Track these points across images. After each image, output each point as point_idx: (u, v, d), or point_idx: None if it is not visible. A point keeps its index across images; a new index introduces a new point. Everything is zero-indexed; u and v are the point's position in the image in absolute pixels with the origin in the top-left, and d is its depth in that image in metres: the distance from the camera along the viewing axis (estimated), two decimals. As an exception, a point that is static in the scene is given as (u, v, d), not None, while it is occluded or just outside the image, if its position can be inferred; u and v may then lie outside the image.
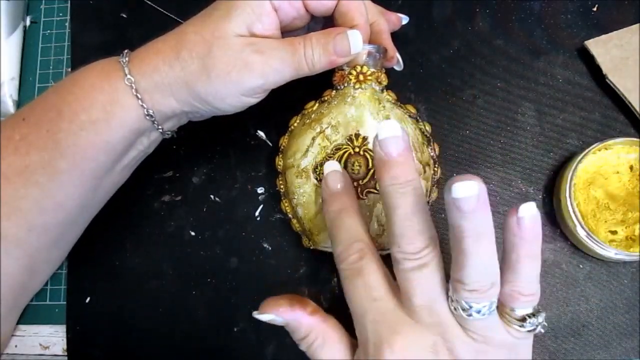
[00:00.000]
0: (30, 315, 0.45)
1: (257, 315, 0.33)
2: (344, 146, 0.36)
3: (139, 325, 0.43)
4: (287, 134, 0.40)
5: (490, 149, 0.42)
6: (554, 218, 0.41)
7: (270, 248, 0.43)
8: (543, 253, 0.40)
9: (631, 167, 0.39)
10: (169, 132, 0.38)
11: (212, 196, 0.44)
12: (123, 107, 0.34)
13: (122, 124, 0.34)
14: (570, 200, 0.37)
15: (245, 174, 0.44)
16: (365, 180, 0.36)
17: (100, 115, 0.34)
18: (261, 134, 0.45)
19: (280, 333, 0.41)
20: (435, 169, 0.39)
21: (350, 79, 0.37)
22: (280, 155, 0.40)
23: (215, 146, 0.45)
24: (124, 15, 0.48)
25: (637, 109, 0.40)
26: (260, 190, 0.44)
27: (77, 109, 0.34)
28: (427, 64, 0.44)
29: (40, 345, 0.44)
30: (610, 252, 0.36)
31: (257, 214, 0.43)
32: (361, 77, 0.37)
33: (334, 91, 0.38)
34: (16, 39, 0.49)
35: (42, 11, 0.50)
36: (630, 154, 0.39)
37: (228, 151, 0.45)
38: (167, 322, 0.42)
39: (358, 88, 0.37)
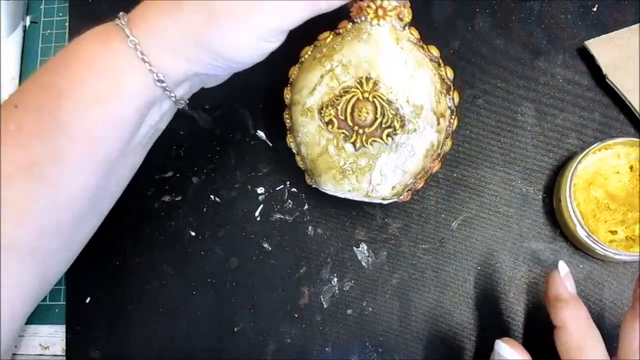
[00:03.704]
0: (30, 315, 0.45)
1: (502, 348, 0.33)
2: (352, 89, 0.34)
3: (139, 325, 0.43)
4: (297, 65, 0.37)
5: (490, 149, 0.42)
6: (554, 218, 0.41)
7: (270, 248, 0.43)
8: (543, 253, 0.40)
9: (631, 167, 0.39)
10: (182, 102, 0.34)
11: (212, 196, 0.44)
12: (130, 75, 0.30)
13: (132, 94, 0.30)
14: (570, 200, 0.37)
15: (245, 174, 0.44)
16: (371, 129, 0.34)
17: (106, 87, 0.30)
18: (261, 134, 0.45)
19: (280, 333, 0.41)
20: (452, 119, 0.36)
21: (368, 13, 0.33)
22: (289, 87, 0.37)
23: (215, 146, 0.45)
24: (124, 15, 0.48)
25: (637, 109, 0.40)
26: (260, 190, 0.44)
27: (78, 84, 0.30)
28: (427, 64, 0.44)
29: (40, 345, 0.44)
30: (610, 252, 0.36)
31: (257, 214, 0.43)
32: (380, 12, 0.33)
33: (350, 24, 0.35)
34: (16, 39, 0.49)
35: (41, 11, 0.50)
36: (630, 154, 0.39)
37: (228, 151, 0.45)
38: (167, 322, 0.42)
39: (375, 24, 0.33)
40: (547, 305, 0.33)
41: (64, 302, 0.44)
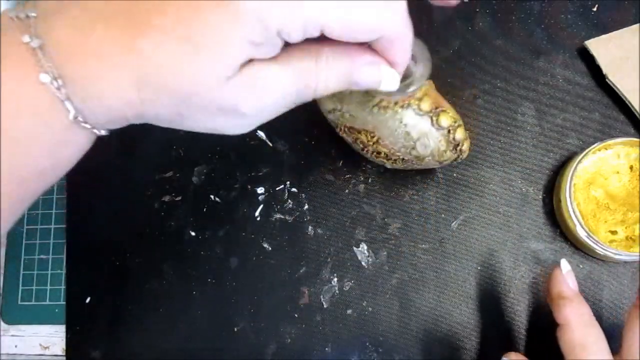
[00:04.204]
0: (30, 315, 0.45)
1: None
2: (358, 134, 0.35)
3: (139, 325, 0.43)
4: None
5: (490, 149, 0.42)
6: (554, 218, 0.41)
7: (270, 248, 0.43)
8: (543, 253, 0.40)
9: (631, 167, 0.39)
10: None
11: (212, 196, 0.44)
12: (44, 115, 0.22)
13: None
14: (570, 200, 0.37)
15: (245, 174, 0.44)
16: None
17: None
18: (261, 134, 0.45)
19: (280, 333, 0.41)
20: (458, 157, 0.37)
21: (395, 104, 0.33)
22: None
23: (215, 146, 0.45)
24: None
25: (637, 109, 0.40)
26: (260, 190, 0.44)
27: None
28: (427, 64, 0.44)
29: (40, 345, 0.44)
30: (610, 252, 0.36)
31: (257, 214, 0.43)
32: (389, 104, 0.33)
33: None
34: (16, 39, 0.49)
35: (42, 11, 0.50)
36: (630, 154, 0.39)
37: (228, 151, 0.45)
38: (167, 322, 0.42)
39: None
40: (550, 303, 0.33)
41: (64, 302, 0.44)
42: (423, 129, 0.34)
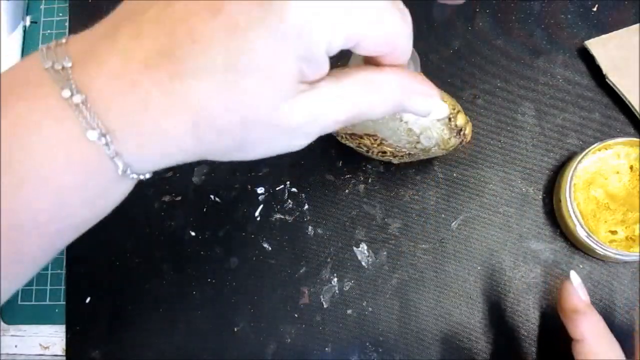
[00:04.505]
0: (30, 315, 0.45)
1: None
2: (361, 139, 0.36)
3: (139, 325, 0.43)
4: None
5: (490, 149, 0.42)
6: (554, 218, 0.41)
7: (270, 248, 0.43)
8: (543, 253, 0.40)
9: (631, 167, 0.39)
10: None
11: (212, 196, 0.44)
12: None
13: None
14: (570, 200, 0.37)
15: (245, 174, 0.44)
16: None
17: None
18: (261, 134, 0.45)
19: (280, 333, 0.41)
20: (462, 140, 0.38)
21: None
22: None
23: (215, 146, 0.45)
24: (124, 15, 0.48)
25: (637, 109, 0.40)
26: (260, 190, 0.44)
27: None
28: (427, 64, 0.44)
29: (40, 345, 0.44)
30: (610, 252, 0.36)
31: (257, 214, 0.43)
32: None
33: None
34: (16, 39, 0.49)
35: (41, 11, 0.50)
36: (630, 154, 0.39)
37: (228, 151, 0.45)
38: (167, 322, 0.42)
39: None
40: (563, 317, 0.33)
41: (64, 302, 0.44)
42: (424, 123, 0.35)
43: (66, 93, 0.19)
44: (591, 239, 0.37)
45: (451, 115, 0.35)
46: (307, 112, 0.22)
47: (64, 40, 0.21)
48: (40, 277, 0.45)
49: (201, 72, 0.19)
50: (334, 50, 0.21)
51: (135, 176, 0.23)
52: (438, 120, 0.34)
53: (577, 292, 0.33)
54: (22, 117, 0.20)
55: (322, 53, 0.21)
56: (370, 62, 0.24)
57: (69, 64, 0.20)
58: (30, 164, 0.20)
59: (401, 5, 0.23)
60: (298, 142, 0.24)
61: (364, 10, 0.21)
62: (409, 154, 0.37)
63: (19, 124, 0.20)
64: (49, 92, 0.20)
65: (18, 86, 0.20)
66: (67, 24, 0.49)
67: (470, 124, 0.37)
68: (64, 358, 0.43)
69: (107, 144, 0.20)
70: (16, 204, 0.20)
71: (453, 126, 0.35)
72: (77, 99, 0.19)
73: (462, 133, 0.36)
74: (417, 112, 0.25)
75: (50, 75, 0.20)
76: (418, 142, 0.35)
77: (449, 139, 0.36)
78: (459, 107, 0.35)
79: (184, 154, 0.22)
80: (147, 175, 0.24)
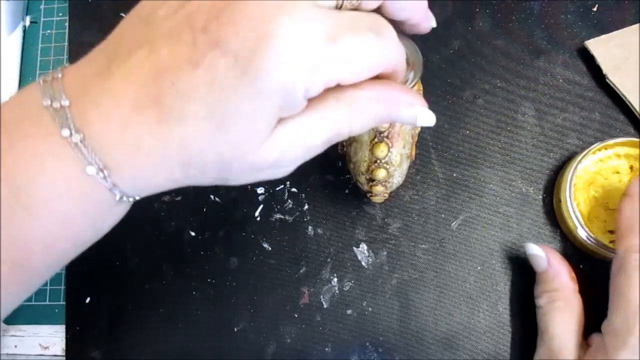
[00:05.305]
0: (30, 315, 0.45)
1: (529, 245, 0.37)
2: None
3: (139, 325, 0.43)
4: None
5: (490, 149, 0.42)
6: (554, 218, 0.41)
7: (270, 248, 0.43)
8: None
9: (631, 167, 0.39)
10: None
11: (212, 196, 0.44)
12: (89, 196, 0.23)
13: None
14: (571, 200, 0.37)
15: (245, 174, 0.44)
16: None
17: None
18: (261, 134, 0.45)
19: (280, 333, 0.41)
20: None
21: None
22: None
23: (215, 146, 0.45)
24: (124, 15, 0.48)
25: (637, 109, 0.40)
26: (260, 190, 0.44)
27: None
28: (427, 64, 0.44)
29: (40, 345, 0.44)
30: (610, 252, 0.36)
31: (257, 214, 0.43)
32: None
33: None
34: (16, 39, 0.49)
35: (41, 11, 0.50)
36: (631, 154, 0.39)
37: (228, 151, 0.45)
38: (167, 322, 0.42)
39: None
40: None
41: (64, 302, 0.44)
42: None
43: (65, 132, 0.22)
44: (591, 239, 0.37)
45: (378, 160, 0.34)
46: (286, 146, 0.24)
47: (59, 75, 0.23)
48: (40, 277, 0.45)
49: (185, 119, 0.21)
50: (314, 94, 0.22)
51: (132, 199, 0.25)
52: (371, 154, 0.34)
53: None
54: (28, 153, 0.22)
55: (301, 98, 0.22)
56: None
57: (67, 103, 0.22)
58: (38, 196, 0.22)
59: (381, 27, 0.23)
60: (282, 170, 0.25)
61: (341, 55, 0.22)
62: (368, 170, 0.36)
63: (26, 160, 0.22)
64: (50, 130, 0.22)
65: (20, 122, 0.22)
66: (67, 24, 0.49)
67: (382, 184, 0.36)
68: (64, 358, 0.43)
69: (104, 178, 0.22)
70: (25, 227, 0.23)
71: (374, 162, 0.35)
72: (76, 138, 0.22)
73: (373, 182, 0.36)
74: (405, 121, 0.26)
75: (50, 113, 0.22)
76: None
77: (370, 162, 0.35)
78: (391, 164, 0.35)
79: (174, 183, 0.24)
80: (144, 195, 0.26)
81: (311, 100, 0.23)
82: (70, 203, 0.23)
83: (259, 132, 0.22)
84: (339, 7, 0.23)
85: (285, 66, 0.21)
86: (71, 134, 0.22)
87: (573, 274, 0.36)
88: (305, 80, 0.21)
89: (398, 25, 0.27)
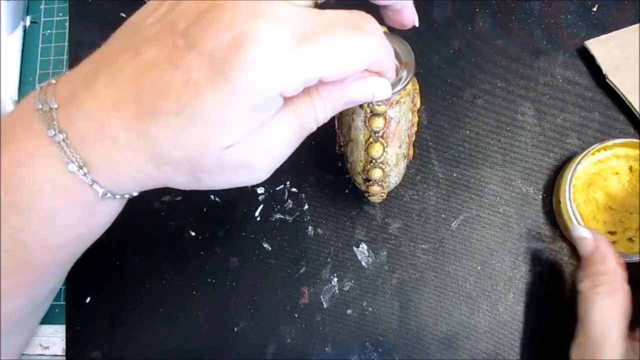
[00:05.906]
0: (30, 315, 0.45)
1: (575, 227, 0.35)
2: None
3: (139, 325, 0.43)
4: None
5: (490, 149, 0.42)
6: (554, 218, 0.41)
7: (270, 248, 0.43)
8: (543, 253, 0.40)
9: (631, 168, 0.39)
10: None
11: (212, 196, 0.44)
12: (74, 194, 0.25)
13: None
14: (570, 201, 0.37)
15: (245, 174, 0.44)
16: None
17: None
18: (261, 134, 0.45)
19: (280, 333, 0.41)
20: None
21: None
22: None
23: (215, 146, 0.45)
24: (124, 15, 0.48)
25: (637, 109, 0.40)
26: (260, 190, 0.44)
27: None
28: (427, 64, 0.44)
29: (40, 345, 0.44)
30: (610, 253, 0.37)
31: (257, 214, 0.43)
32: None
33: None
34: (16, 39, 0.49)
35: (41, 11, 0.50)
36: (630, 155, 0.39)
37: (228, 151, 0.45)
38: (167, 322, 0.42)
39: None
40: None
41: (64, 302, 0.44)
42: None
43: (50, 132, 0.23)
44: (591, 239, 0.37)
45: (374, 161, 0.34)
46: (255, 147, 0.24)
47: (54, 81, 0.25)
48: (40, 277, 0.45)
49: (158, 115, 0.22)
50: (294, 93, 0.23)
51: (119, 196, 0.26)
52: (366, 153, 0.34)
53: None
54: (17, 153, 0.24)
55: (277, 97, 0.23)
56: None
57: (55, 106, 0.24)
58: (26, 192, 0.24)
59: (363, 23, 0.24)
60: (256, 172, 0.26)
61: (319, 53, 0.22)
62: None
63: (16, 159, 0.24)
64: (38, 132, 0.24)
65: (14, 126, 0.25)
66: (67, 24, 0.49)
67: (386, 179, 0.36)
68: (64, 358, 0.43)
69: (85, 174, 0.24)
70: (17, 222, 0.25)
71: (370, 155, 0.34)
72: (59, 137, 0.23)
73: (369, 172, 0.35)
74: (362, 97, 0.26)
75: (40, 115, 0.24)
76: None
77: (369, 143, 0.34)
78: (387, 165, 0.34)
79: (152, 181, 0.25)
80: (135, 194, 0.27)
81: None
82: (54, 199, 0.25)
83: (227, 130, 0.23)
84: (316, 5, 0.23)
85: (258, 67, 0.21)
86: (55, 133, 0.23)
87: (622, 261, 0.34)
88: (279, 79, 0.22)
89: (385, 20, 0.27)
